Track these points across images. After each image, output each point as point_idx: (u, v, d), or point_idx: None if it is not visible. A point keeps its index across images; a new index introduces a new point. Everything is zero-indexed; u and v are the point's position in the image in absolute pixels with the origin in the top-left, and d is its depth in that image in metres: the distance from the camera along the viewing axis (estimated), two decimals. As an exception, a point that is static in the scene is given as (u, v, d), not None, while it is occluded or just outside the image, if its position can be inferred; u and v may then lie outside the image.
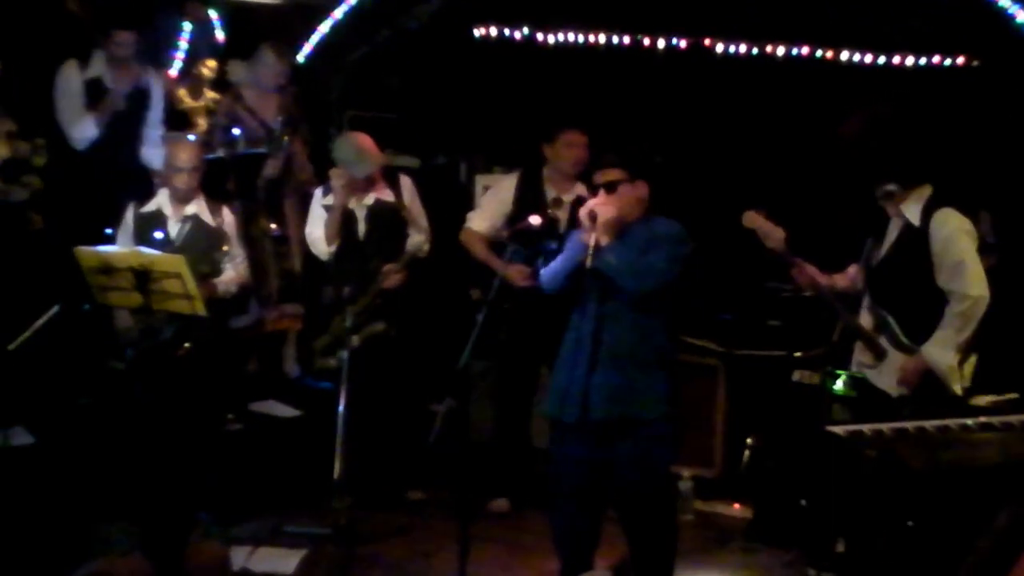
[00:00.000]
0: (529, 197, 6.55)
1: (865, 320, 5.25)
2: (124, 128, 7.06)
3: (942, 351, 4.96)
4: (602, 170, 5.12)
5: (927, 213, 5.02)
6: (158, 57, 7.33)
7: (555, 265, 5.15)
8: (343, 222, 6.54)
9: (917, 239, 5.03)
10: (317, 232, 6.60)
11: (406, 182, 6.71)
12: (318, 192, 6.72)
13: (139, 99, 7.11)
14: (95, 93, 6.96)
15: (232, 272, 6.40)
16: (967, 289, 4.91)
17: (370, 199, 6.57)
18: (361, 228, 6.57)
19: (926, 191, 5.07)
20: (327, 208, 6.58)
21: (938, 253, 4.97)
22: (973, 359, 5.07)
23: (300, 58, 7.92)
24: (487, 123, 8.34)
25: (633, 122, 7.62)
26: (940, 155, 5.23)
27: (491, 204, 6.72)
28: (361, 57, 8.19)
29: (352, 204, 6.54)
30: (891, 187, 5.08)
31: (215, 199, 6.54)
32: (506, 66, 8.25)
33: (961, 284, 4.92)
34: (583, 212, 5.02)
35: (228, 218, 6.51)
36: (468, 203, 7.60)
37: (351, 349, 6.09)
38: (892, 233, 5.17)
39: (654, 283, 4.97)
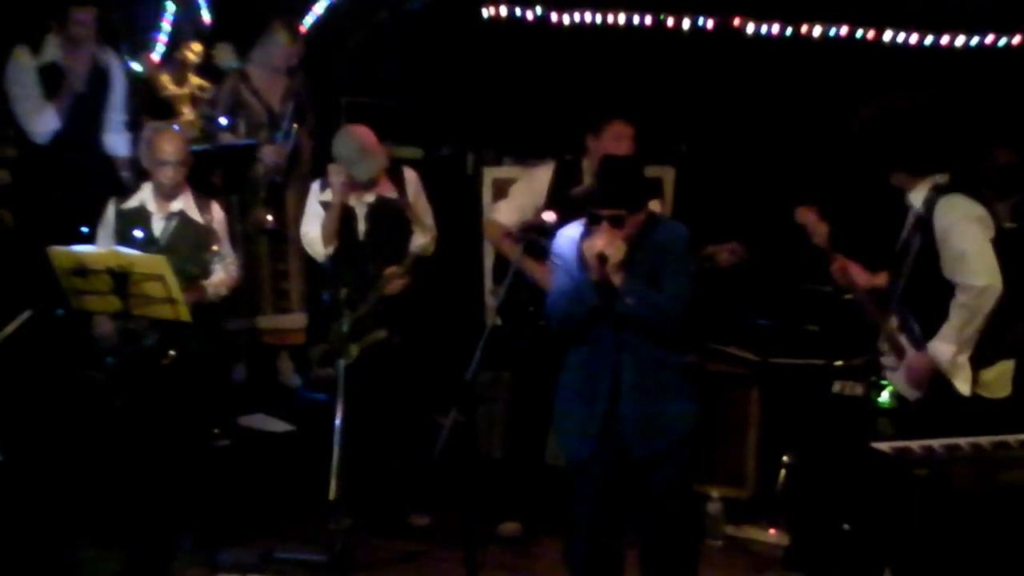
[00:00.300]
0: (563, 190, 6.42)
1: (893, 319, 5.28)
2: (88, 115, 7.01)
3: (945, 345, 4.99)
4: (605, 206, 4.95)
5: (932, 201, 5.06)
6: (135, 39, 7.27)
7: (563, 305, 5.07)
8: (342, 220, 6.46)
9: (924, 229, 5.09)
10: (313, 231, 6.54)
11: (411, 176, 6.65)
12: (315, 186, 6.66)
13: (100, 81, 7.04)
14: (52, 80, 6.91)
15: (222, 274, 6.37)
16: (970, 278, 4.92)
17: (371, 196, 6.51)
18: (361, 227, 6.51)
19: (936, 179, 5.09)
20: (324, 205, 6.51)
21: (940, 242, 5.00)
22: (1008, 364, 5.06)
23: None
24: (496, 111, 8.29)
25: (656, 108, 7.55)
26: (961, 143, 5.26)
27: (521, 195, 6.56)
28: (359, 40, 8.15)
29: (352, 201, 6.48)
30: (899, 177, 5.15)
31: (202, 194, 6.47)
32: (517, 49, 8.21)
33: (964, 273, 4.94)
34: (590, 253, 4.93)
35: (218, 214, 6.46)
36: (476, 198, 7.55)
37: (349, 359, 6.04)
38: (908, 224, 5.25)
39: (679, 312, 4.96)
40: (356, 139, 6.47)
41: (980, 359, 5.04)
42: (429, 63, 8.33)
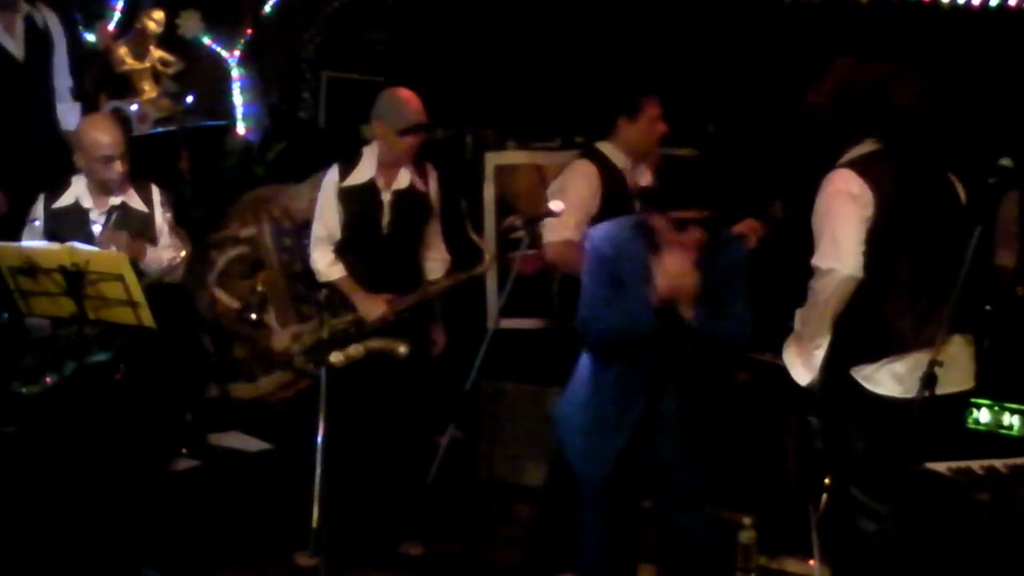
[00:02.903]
0: (612, 186, 6.36)
1: None
2: (30, 87, 6.95)
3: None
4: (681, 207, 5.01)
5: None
6: (88, 6, 7.26)
7: (613, 323, 5.07)
8: (365, 205, 6.37)
9: None
10: (323, 262, 6.43)
11: (433, 172, 6.58)
12: (330, 175, 6.48)
13: (39, 44, 6.98)
14: None
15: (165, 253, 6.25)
16: (815, 259, 4.97)
17: (403, 181, 6.42)
18: (385, 217, 6.41)
19: (859, 148, 5.05)
20: (346, 192, 6.37)
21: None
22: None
23: (266, 8, 7.89)
24: (497, 88, 8.27)
25: (679, 84, 7.53)
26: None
27: (573, 205, 6.25)
28: (339, 6, 8.14)
29: (380, 183, 6.38)
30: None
31: (140, 176, 6.37)
32: (521, 18, 8.19)
33: (815, 254, 4.97)
34: (665, 278, 4.98)
35: (157, 197, 6.33)
36: (476, 185, 7.54)
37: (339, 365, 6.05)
38: None
39: (743, 339, 5.13)
40: (399, 91, 6.42)
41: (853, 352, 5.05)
42: (420, 33, 8.33)
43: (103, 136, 6.11)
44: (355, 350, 6.13)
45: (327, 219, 6.40)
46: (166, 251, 6.24)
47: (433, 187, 6.52)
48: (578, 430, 5.20)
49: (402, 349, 6.22)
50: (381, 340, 6.19)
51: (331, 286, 6.40)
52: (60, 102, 7.03)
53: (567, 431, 5.28)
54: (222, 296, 6.96)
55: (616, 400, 5.11)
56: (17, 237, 6.10)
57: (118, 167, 6.13)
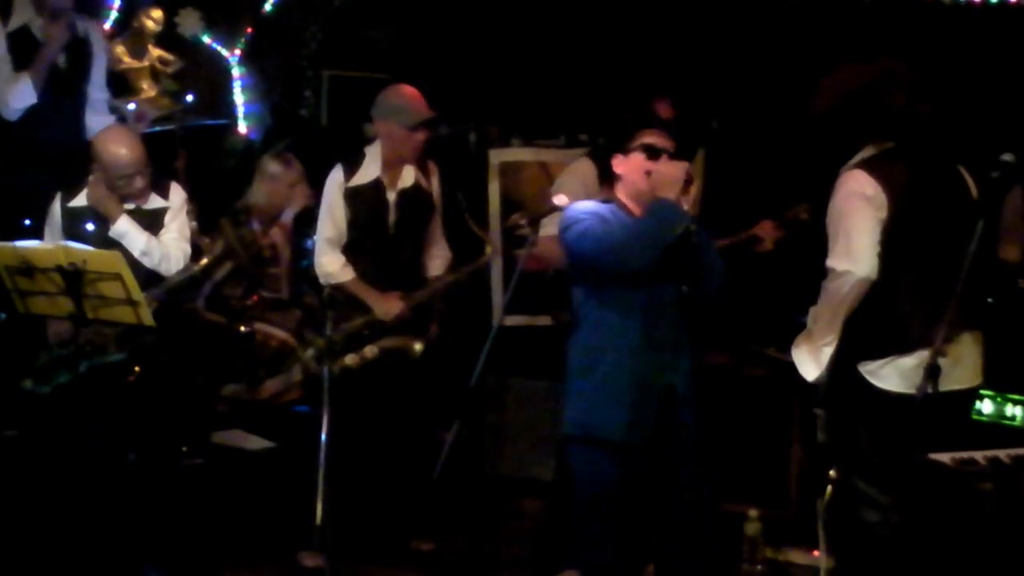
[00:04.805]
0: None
1: None
2: (66, 91, 6.96)
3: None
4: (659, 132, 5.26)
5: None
6: (84, 4, 7.26)
7: (640, 231, 5.16)
8: (371, 205, 6.39)
9: None
10: (332, 265, 6.42)
11: (434, 169, 6.61)
12: (335, 175, 6.46)
13: (79, 53, 7.00)
14: (24, 47, 6.86)
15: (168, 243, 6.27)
16: (829, 260, 4.98)
17: (408, 179, 6.44)
18: (391, 216, 6.43)
19: (871, 148, 5.08)
20: (353, 192, 6.38)
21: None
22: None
23: (266, 6, 7.90)
24: (501, 84, 8.28)
25: (683, 81, 7.54)
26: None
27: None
28: (340, 4, 8.15)
29: (386, 182, 6.40)
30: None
31: (162, 175, 6.43)
32: (524, 13, 8.19)
33: (830, 255, 4.99)
34: (680, 173, 5.11)
35: (176, 197, 6.36)
36: (480, 183, 7.54)
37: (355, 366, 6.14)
38: None
39: (723, 282, 5.23)
40: (402, 88, 6.45)
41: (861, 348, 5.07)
42: (422, 30, 8.33)
43: (124, 152, 6.14)
44: (370, 351, 6.16)
45: (335, 220, 6.41)
46: (174, 245, 6.26)
47: (435, 184, 6.55)
48: (604, 377, 5.28)
49: (418, 347, 6.27)
50: (396, 339, 6.21)
51: (340, 288, 6.41)
52: (94, 113, 7.04)
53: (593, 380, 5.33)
54: (210, 316, 6.97)
55: (644, 345, 5.22)
56: (24, 238, 6.09)
57: (138, 182, 6.17)
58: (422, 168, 6.51)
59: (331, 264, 6.42)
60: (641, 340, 5.20)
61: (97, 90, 7.09)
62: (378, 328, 6.27)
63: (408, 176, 6.44)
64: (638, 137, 5.28)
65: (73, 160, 6.66)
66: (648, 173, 5.15)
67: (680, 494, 5.16)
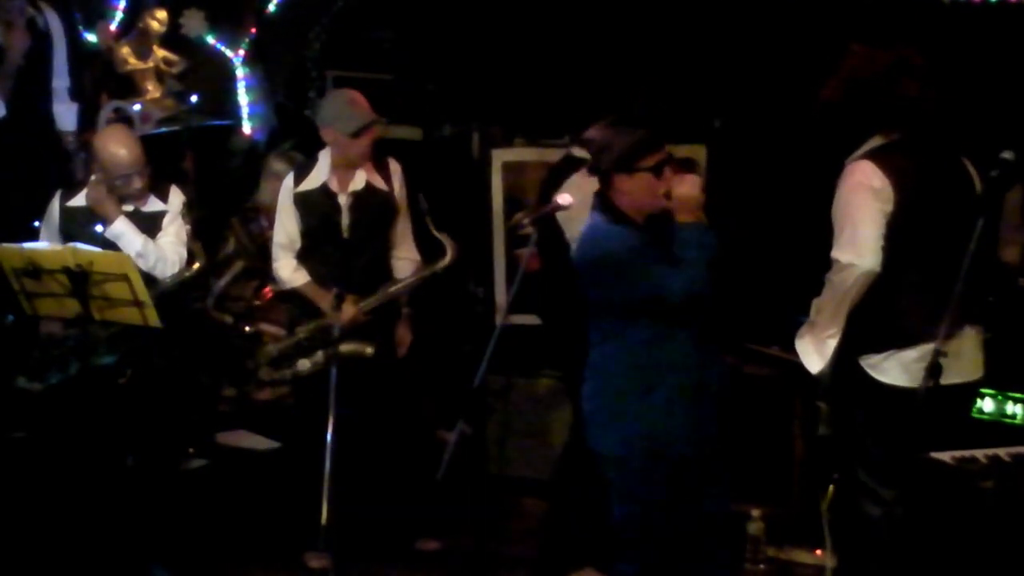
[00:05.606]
0: None
1: None
2: (28, 89, 6.96)
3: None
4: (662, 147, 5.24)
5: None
6: (89, 5, 7.28)
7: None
8: (322, 210, 6.38)
9: None
10: (286, 270, 6.43)
11: (396, 168, 6.57)
12: (286, 181, 6.48)
13: (39, 47, 6.97)
14: None
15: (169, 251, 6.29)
16: (834, 251, 5.01)
17: (359, 182, 6.43)
18: (345, 219, 6.41)
19: (877, 138, 5.10)
20: (301, 196, 6.37)
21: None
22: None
23: (270, 7, 7.91)
24: (505, 84, 8.28)
25: (685, 79, 7.55)
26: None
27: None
28: (345, 4, 8.16)
29: (334, 187, 6.39)
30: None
31: (165, 180, 6.44)
32: (528, 12, 8.19)
33: (835, 246, 5.02)
34: (695, 191, 5.18)
35: (175, 200, 6.38)
36: (483, 184, 7.56)
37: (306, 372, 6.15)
38: None
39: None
40: (343, 93, 6.45)
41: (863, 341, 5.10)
42: (426, 30, 8.34)
43: (123, 152, 6.16)
44: (323, 356, 6.16)
45: (286, 226, 6.42)
46: (170, 249, 6.27)
47: (397, 185, 6.51)
48: (609, 395, 5.30)
49: (369, 350, 6.25)
50: (349, 344, 6.19)
51: (295, 292, 6.43)
52: (58, 102, 7.04)
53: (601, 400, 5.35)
54: (218, 316, 6.99)
55: (646, 363, 5.22)
56: (12, 237, 6.11)
57: (137, 183, 6.19)
58: (381, 169, 6.49)
59: (283, 269, 6.43)
60: (692, 349, 5.24)
61: (60, 79, 7.08)
62: (331, 333, 6.22)
63: (360, 179, 6.39)
64: (642, 159, 5.25)
65: (45, 151, 6.70)
66: (668, 196, 5.16)
67: (701, 495, 5.24)
